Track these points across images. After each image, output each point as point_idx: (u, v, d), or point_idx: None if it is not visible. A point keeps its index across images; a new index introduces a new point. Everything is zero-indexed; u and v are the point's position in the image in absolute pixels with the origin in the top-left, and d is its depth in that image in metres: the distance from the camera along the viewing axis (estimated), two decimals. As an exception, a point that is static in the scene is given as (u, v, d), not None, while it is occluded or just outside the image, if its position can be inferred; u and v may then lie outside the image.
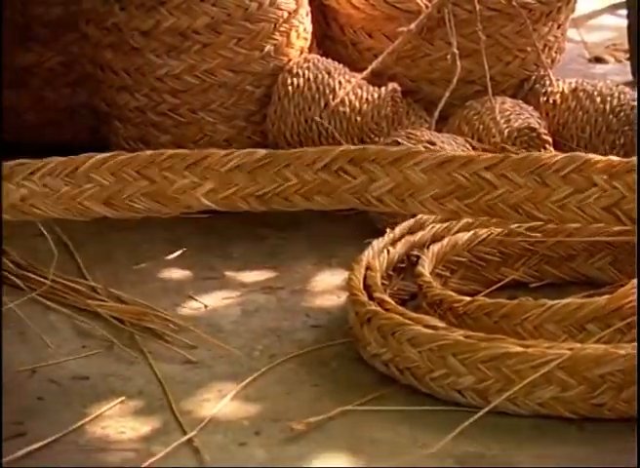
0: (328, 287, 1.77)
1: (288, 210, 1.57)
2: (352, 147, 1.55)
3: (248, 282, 1.78)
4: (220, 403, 1.46)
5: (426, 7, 1.94)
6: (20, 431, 1.38)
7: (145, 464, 1.32)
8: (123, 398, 1.46)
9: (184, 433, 1.39)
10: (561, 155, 1.49)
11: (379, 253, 1.67)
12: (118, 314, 1.65)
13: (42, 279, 1.73)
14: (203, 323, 1.65)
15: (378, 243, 1.68)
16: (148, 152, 1.55)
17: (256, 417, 1.43)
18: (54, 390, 1.48)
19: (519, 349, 1.40)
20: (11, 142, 2.21)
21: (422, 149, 1.54)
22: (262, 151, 1.55)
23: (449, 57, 1.93)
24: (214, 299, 1.73)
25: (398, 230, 1.71)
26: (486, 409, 1.37)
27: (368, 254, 1.66)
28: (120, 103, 1.97)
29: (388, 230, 1.71)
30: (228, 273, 1.80)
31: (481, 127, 1.92)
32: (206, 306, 1.71)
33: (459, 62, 1.93)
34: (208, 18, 1.90)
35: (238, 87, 1.95)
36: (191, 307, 1.71)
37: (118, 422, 1.41)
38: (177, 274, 1.79)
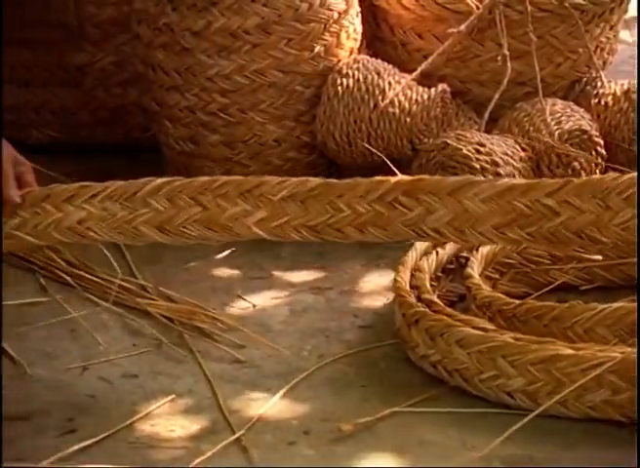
0: (376, 287, 1.77)
1: (341, 241, 1.55)
2: (406, 178, 1.53)
3: (296, 282, 1.79)
4: (268, 402, 1.46)
5: (477, 8, 1.93)
6: (71, 427, 1.40)
7: (194, 463, 1.33)
8: (172, 396, 1.47)
9: (233, 432, 1.40)
10: (624, 177, 1.44)
11: (427, 255, 1.67)
12: (168, 313, 1.66)
13: (93, 277, 1.75)
14: (251, 322, 1.66)
15: (421, 244, 1.67)
16: (204, 178, 1.56)
17: (304, 417, 1.43)
18: (104, 387, 1.49)
19: (570, 352, 1.40)
20: (64, 142, 2.24)
21: (481, 179, 1.52)
22: (316, 181, 1.53)
23: (499, 58, 1.92)
24: (262, 299, 1.74)
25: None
26: (536, 412, 1.36)
27: (413, 256, 1.65)
28: (170, 103, 1.98)
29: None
30: (277, 273, 1.81)
31: (531, 128, 1.91)
32: (254, 306, 1.72)
33: (509, 64, 1.92)
34: (258, 18, 1.91)
35: (288, 87, 1.95)
36: (240, 307, 1.72)
37: (167, 420, 1.42)
38: (226, 274, 1.80)
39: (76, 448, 1.34)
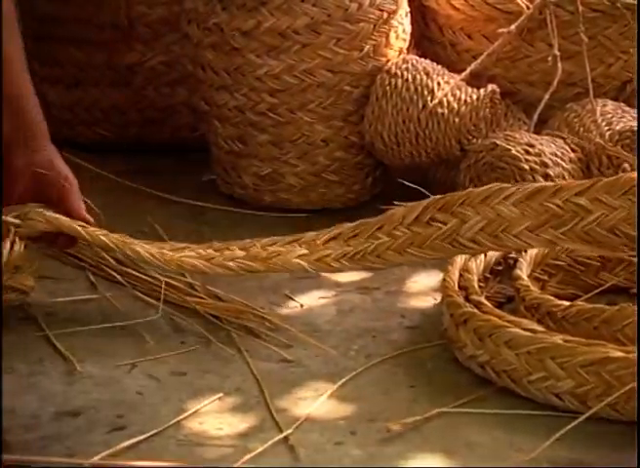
0: (423, 288, 1.77)
1: (380, 268, 1.61)
2: (439, 196, 1.56)
3: (343, 282, 1.79)
4: (316, 401, 1.46)
5: (527, 8, 1.92)
6: (120, 424, 1.41)
7: (242, 461, 1.34)
8: (220, 394, 1.48)
9: (280, 431, 1.40)
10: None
11: (475, 256, 1.66)
12: (216, 311, 1.67)
13: (142, 275, 1.76)
14: (299, 322, 1.66)
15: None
16: (248, 241, 1.64)
17: (352, 417, 1.43)
18: (153, 385, 1.50)
19: (620, 354, 1.39)
20: (113, 140, 2.25)
21: (509, 185, 1.54)
22: (351, 224, 1.60)
23: (550, 58, 1.91)
24: (310, 299, 1.74)
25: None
26: (586, 415, 1.35)
27: (462, 256, 1.65)
28: (219, 103, 1.99)
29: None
30: (324, 273, 1.81)
31: (581, 129, 1.90)
32: (302, 305, 1.72)
33: (559, 64, 1.91)
34: (308, 18, 1.91)
35: (336, 87, 1.95)
36: (287, 306, 1.72)
37: (216, 418, 1.43)
38: (273, 273, 1.80)
39: (125, 444, 1.35)
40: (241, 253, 1.61)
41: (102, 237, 1.61)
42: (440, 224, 1.54)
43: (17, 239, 1.57)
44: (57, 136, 2.29)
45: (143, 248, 1.61)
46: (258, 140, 2.00)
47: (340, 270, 1.62)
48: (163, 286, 1.72)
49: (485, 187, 1.54)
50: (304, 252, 1.60)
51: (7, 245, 1.56)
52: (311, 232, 1.63)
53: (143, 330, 1.63)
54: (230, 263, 1.60)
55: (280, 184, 2.02)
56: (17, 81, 1.60)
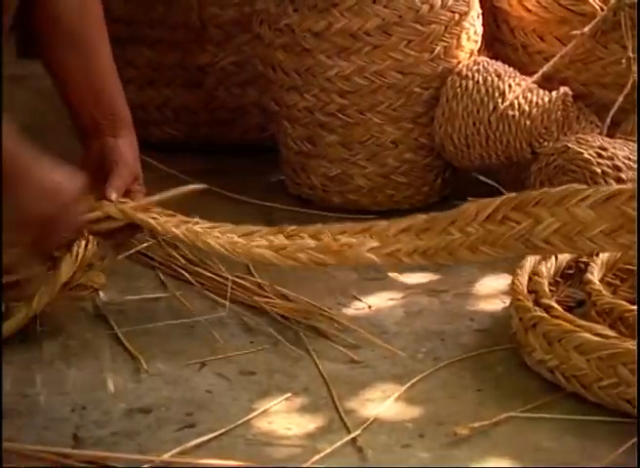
0: (492, 291, 1.76)
1: (452, 264, 1.60)
2: (513, 194, 1.54)
3: (412, 284, 1.78)
4: (384, 403, 1.46)
5: (601, 10, 1.90)
6: (190, 422, 1.42)
7: (311, 461, 1.34)
8: (289, 395, 1.48)
9: (349, 432, 1.40)
10: None
11: (545, 259, 1.65)
12: (284, 312, 1.68)
13: (211, 275, 1.77)
14: (367, 323, 1.66)
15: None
16: (318, 226, 1.63)
17: (420, 420, 1.43)
18: (222, 384, 1.51)
19: (694, 362, 1.37)
20: (183, 140, 2.27)
21: (585, 187, 1.53)
22: (424, 216, 1.58)
23: (623, 61, 1.89)
24: (378, 300, 1.74)
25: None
26: (658, 422, 1.34)
27: (531, 260, 1.64)
28: (289, 103, 2.00)
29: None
30: (392, 274, 1.81)
31: (655, 132, 1.88)
32: (370, 307, 1.72)
33: (634, 67, 1.89)
34: (379, 19, 1.91)
35: (406, 88, 1.95)
36: (355, 307, 1.72)
37: (284, 418, 1.43)
38: (341, 274, 1.81)
39: (195, 442, 1.36)
40: (312, 244, 1.60)
41: (174, 229, 1.61)
42: (513, 224, 1.52)
43: (90, 237, 1.59)
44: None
45: (215, 239, 1.61)
46: (327, 141, 2.00)
47: (410, 265, 1.60)
48: (232, 285, 1.74)
49: (560, 188, 1.52)
50: (376, 244, 1.57)
51: (82, 243, 1.58)
52: (383, 222, 1.61)
53: (213, 329, 1.64)
54: (301, 255, 1.59)
55: (349, 185, 2.02)
56: (103, 72, 1.64)
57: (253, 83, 2.22)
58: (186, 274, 1.78)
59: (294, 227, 1.64)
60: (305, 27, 1.93)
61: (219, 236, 1.63)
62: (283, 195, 2.10)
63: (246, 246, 1.61)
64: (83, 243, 1.58)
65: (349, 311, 1.71)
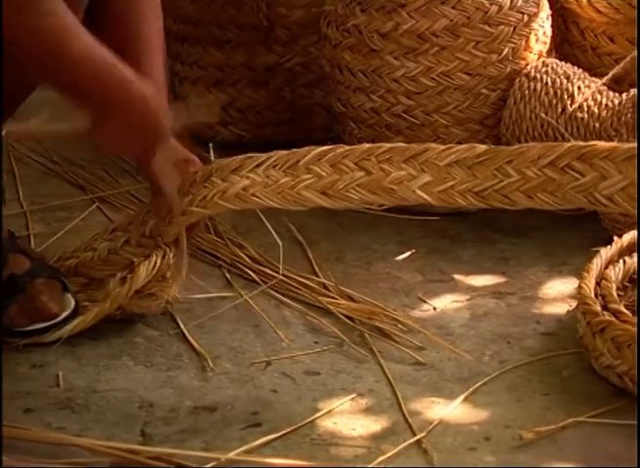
0: (558, 294, 1.75)
1: (508, 207, 1.50)
2: (581, 143, 1.46)
3: (477, 286, 1.78)
4: (449, 406, 1.46)
5: (673, 11, 1.88)
6: (255, 421, 1.42)
7: (376, 462, 1.34)
8: (354, 395, 1.48)
9: (414, 434, 1.40)
10: None
11: (613, 263, 1.63)
12: (349, 312, 1.68)
13: (276, 274, 1.78)
14: (432, 325, 1.66)
15: (606, 251, 1.64)
16: (367, 145, 1.56)
17: (485, 423, 1.42)
18: (287, 383, 1.51)
19: None
20: (249, 140, 2.28)
21: None
22: (483, 147, 1.50)
23: (695, 63, 1.87)
24: (443, 302, 1.73)
25: (626, 239, 1.67)
26: None
27: (598, 263, 1.62)
28: (356, 104, 2.00)
29: (615, 238, 1.67)
30: (458, 276, 1.80)
31: None
32: (435, 308, 1.72)
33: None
34: (447, 20, 1.91)
35: (474, 90, 1.94)
36: (420, 309, 1.72)
37: (349, 419, 1.44)
38: (406, 275, 1.81)
39: (261, 441, 1.37)
40: (361, 178, 1.53)
41: (220, 201, 1.59)
42: (577, 175, 1.44)
43: (167, 249, 1.60)
44: (195, 134, 2.34)
45: (263, 193, 1.57)
46: (393, 142, 1.99)
47: (463, 205, 1.51)
48: (296, 285, 1.74)
49: (632, 145, 1.45)
50: (428, 179, 1.50)
51: (160, 253, 1.60)
52: (435, 148, 1.52)
53: (277, 328, 1.64)
54: (350, 194, 1.53)
55: (414, 187, 2.01)
56: (150, 60, 1.64)
57: (319, 83, 2.22)
58: (252, 273, 1.78)
59: (341, 150, 1.56)
60: (373, 28, 1.93)
61: (267, 183, 1.58)
62: (347, 196, 2.10)
63: (293, 189, 1.56)
64: (161, 253, 1.60)
65: (414, 312, 1.70)
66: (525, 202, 1.47)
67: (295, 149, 1.60)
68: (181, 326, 1.64)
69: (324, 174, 1.55)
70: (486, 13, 1.91)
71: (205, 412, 1.44)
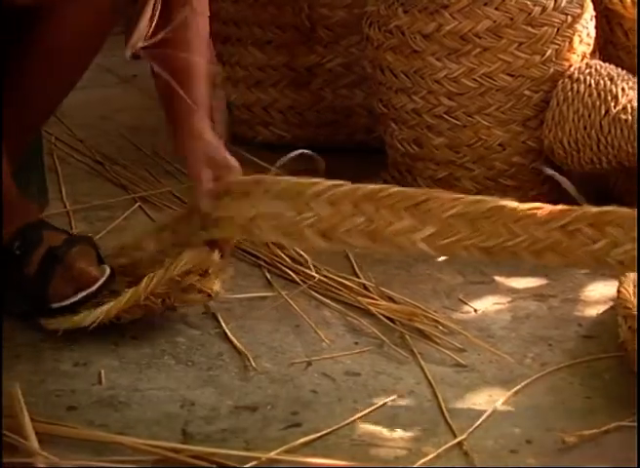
0: (600, 297, 1.74)
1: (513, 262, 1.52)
2: (593, 209, 1.45)
3: (519, 288, 1.77)
4: (490, 408, 1.45)
5: None
6: (295, 421, 1.43)
7: (417, 464, 1.34)
8: (394, 396, 1.48)
9: (454, 436, 1.40)
10: None
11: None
12: (389, 313, 1.68)
13: (317, 275, 1.78)
14: (472, 327, 1.65)
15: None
16: (370, 186, 1.53)
17: (527, 425, 1.42)
18: (327, 384, 1.51)
19: None
20: (290, 141, 2.28)
21: None
22: (492, 202, 1.47)
23: None
24: (484, 304, 1.73)
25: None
26: None
27: (640, 267, 1.61)
28: (397, 105, 2.00)
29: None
30: (499, 278, 1.79)
31: None
32: (476, 310, 1.71)
33: None
34: (490, 21, 1.90)
35: (516, 91, 1.93)
36: (461, 310, 1.71)
37: (389, 420, 1.43)
38: (447, 277, 1.80)
39: (301, 441, 1.37)
40: (362, 225, 1.50)
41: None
42: (587, 240, 1.43)
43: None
44: (236, 134, 2.35)
45: (270, 229, 1.57)
46: (434, 143, 1.99)
47: (466, 258, 1.48)
48: (337, 285, 1.74)
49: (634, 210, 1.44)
50: (431, 231, 1.47)
51: (205, 247, 1.61)
52: (440, 197, 1.48)
53: (318, 328, 1.65)
54: (350, 240, 1.51)
55: (455, 188, 2.01)
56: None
57: (360, 84, 2.22)
58: (292, 273, 1.79)
59: (346, 188, 1.53)
60: (415, 29, 1.93)
61: (273, 220, 1.56)
62: (388, 197, 2.10)
63: (297, 228, 1.54)
64: (206, 247, 1.61)
65: (455, 314, 1.70)
66: (533, 260, 1.46)
67: (300, 179, 1.58)
68: (223, 325, 1.64)
69: (324, 214, 1.53)
70: (529, 14, 1.90)
71: (246, 412, 1.44)
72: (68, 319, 1.57)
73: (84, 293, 1.58)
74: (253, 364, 1.55)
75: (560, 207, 1.47)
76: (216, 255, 1.62)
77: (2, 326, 1.57)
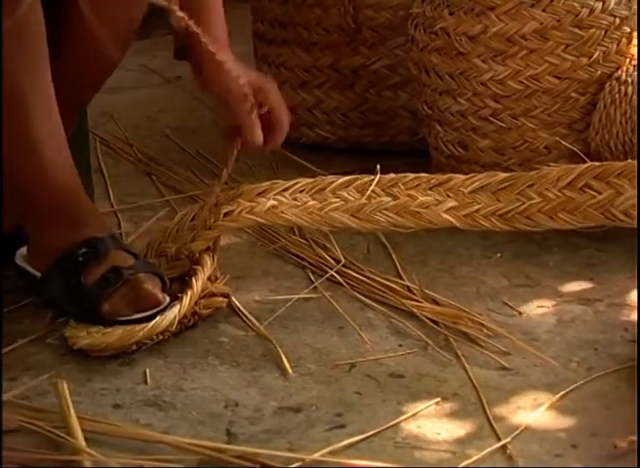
0: (647, 301, 1.72)
1: (531, 229, 1.61)
2: (597, 164, 1.54)
3: (564, 292, 1.76)
4: (534, 411, 1.44)
5: None
6: (340, 422, 1.42)
7: (460, 466, 1.33)
8: (438, 399, 1.48)
9: (499, 439, 1.39)
10: None
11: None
12: (433, 315, 1.67)
13: (360, 276, 1.78)
14: (517, 330, 1.64)
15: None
16: (392, 175, 1.66)
17: (572, 430, 1.41)
18: (371, 386, 1.51)
19: None
20: (333, 142, 2.29)
21: None
22: (503, 174, 1.60)
23: None
24: (528, 307, 1.72)
25: None
26: None
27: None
28: (442, 107, 1.99)
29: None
30: (544, 282, 1.78)
31: None
32: (520, 313, 1.70)
33: None
34: (537, 23, 1.89)
35: (562, 94, 1.92)
36: (505, 313, 1.70)
37: (433, 423, 1.43)
38: (491, 280, 1.79)
39: (345, 443, 1.37)
40: (388, 203, 1.61)
41: (248, 216, 1.63)
42: (594, 193, 1.51)
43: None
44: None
45: (291, 212, 1.63)
46: (479, 146, 1.98)
47: (488, 228, 1.61)
48: (380, 287, 1.74)
49: None
50: (453, 204, 1.59)
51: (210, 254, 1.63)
52: (460, 176, 1.65)
53: (361, 330, 1.64)
54: (378, 217, 1.61)
55: (500, 190, 2.00)
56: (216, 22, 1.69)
57: (404, 86, 2.21)
58: (336, 275, 1.79)
59: (367, 178, 1.65)
60: (461, 31, 1.92)
61: (295, 204, 1.63)
62: (433, 199, 2.09)
63: (322, 210, 1.61)
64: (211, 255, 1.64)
65: (499, 317, 1.69)
66: (547, 222, 1.57)
67: (320, 177, 1.68)
68: (264, 326, 1.64)
69: (351, 198, 1.63)
70: (577, 16, 1.89)
71: (290, 413, 1.44)
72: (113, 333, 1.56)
73: (143, 314, 1.56)
74: (296, 365, 1.55)
75: (567, 166, 1.61)
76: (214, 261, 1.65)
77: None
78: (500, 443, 1.38)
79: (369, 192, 1.63)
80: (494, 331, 1.63)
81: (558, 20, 1.89)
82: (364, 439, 1.38)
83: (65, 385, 1.39)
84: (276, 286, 1.75)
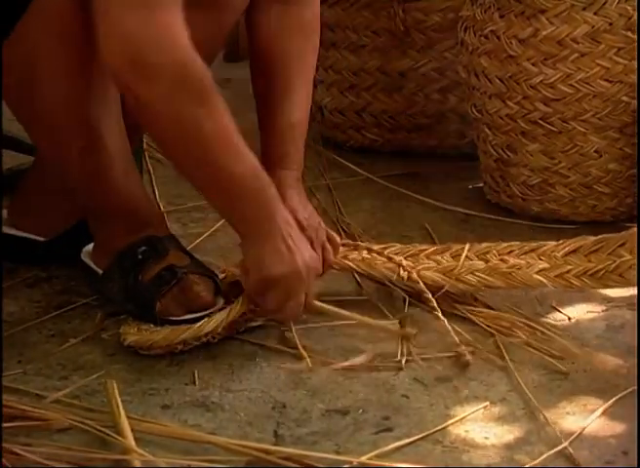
0: (698, 308, 1.70)
1: (622, 287, 1.64)
2: None
3: (613, 297, 1.74)
4: (585, 417, 1.43)
5: None
6: (387, 426, 1.42)
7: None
8: (487, 403, 1.47)
9: (548, 445, 1.37)
10: None
11: None
12: (484, 320, 1.66)
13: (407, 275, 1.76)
14: (567, 335, 1.63)
15: None
16: (484, 244, 1.71)
17: (623, 437, 1.39)
18: (418, 389, 1.50)
19: None
20: (381, 145, 2.28)
21: None
22: (594, 237, 1.63)
23: None
24: (578, 312, 1.70)
25: None
26: None
27: None
28: (491, 110, 1.98)
29: None
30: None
31: None
32: (570, 318, 1.69)
33: None
34: (588, 26, 1.87)
35: (614, 97, 1.91)
36: (555, 318, 1.69)
37: (482, 427, 1.42)
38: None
39: (392, 446, 1.36)
40: (481, 265, 1.65)
41: (348, 262, 1.70)
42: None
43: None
44: (328, 138, 2.36)
45: (384, 266, 1.67)
46: (528, 149, 1.97)
47: (581, 288, 1.63)
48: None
49: None
50: (545, 266, 1.61)
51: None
52: (551, 242, 1.66)
53: (410, 333, 1.63)
54: (470, 277, 1.64)
55: (549, 194, 1.99)
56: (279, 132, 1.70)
57: (453, 89, 2.21)
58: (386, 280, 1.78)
59: (460, 246, 1.69)
60: (511, 34, 1.91)
61: (388, 259, 1.68)
62: (480, 202, 2.08)
63: (414, 269, 1.66)
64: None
65: (548, 322, 1.67)
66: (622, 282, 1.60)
67: (419, 248, 1.74)
68: (314, 329, 1.64)
69: (444, 262, 1.68)
70: (629, 19, 1.87)
71: (337, 415, 1.44)
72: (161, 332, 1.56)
73: (193, 316, 1.55)
74: (344, 368, 1.54)
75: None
76: None
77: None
78: (557, 448, 1.36)
79: (462, 258, 1.67)
80: (544, 336, 1.61)
81: (610, 24, 1.87)
82: (411, 442, 1.37)
83: (115, 385, 1.40)
84: (322, 288, 1.74)
